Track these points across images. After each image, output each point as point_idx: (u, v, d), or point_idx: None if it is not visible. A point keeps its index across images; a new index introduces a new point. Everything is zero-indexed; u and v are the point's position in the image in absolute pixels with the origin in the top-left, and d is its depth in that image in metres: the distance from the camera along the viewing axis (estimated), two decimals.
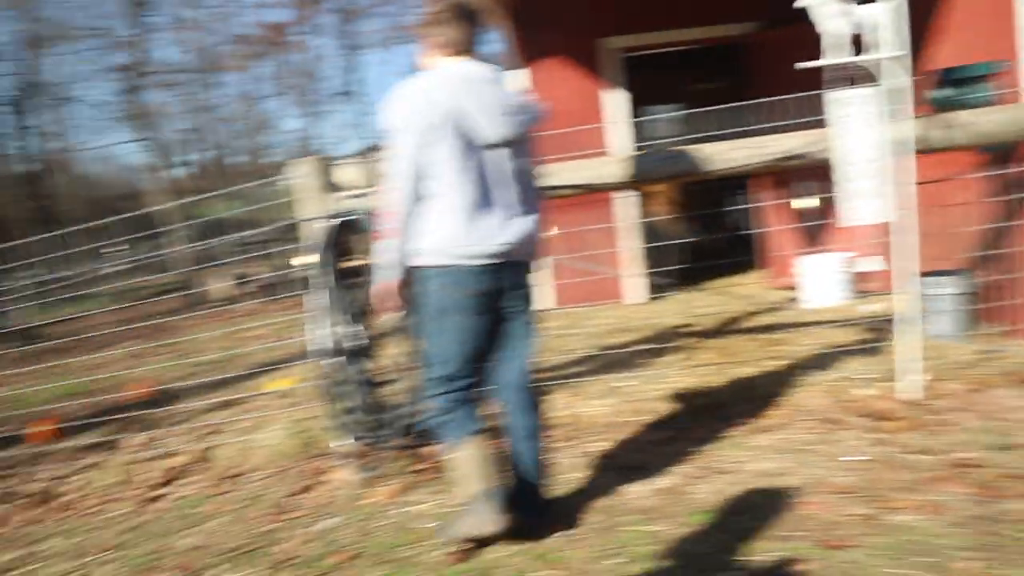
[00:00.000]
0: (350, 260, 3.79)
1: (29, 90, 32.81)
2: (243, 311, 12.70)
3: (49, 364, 9.74)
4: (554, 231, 6.74)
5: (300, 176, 3.88)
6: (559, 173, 3.90)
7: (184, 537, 3.48)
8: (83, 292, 15.36)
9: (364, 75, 62.02)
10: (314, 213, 3.81)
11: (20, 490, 4.49)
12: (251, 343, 9.26)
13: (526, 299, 3.04)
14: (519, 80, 7.51)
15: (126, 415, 5.77)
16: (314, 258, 3.67)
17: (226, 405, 5.64)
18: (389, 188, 2.82)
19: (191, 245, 16.37)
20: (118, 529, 3.74)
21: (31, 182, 34.59)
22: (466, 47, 2.92)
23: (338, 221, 3.73)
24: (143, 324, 11.93)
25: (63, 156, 37.79)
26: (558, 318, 7.07)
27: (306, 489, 3.76)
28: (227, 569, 3.10)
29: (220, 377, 6.75)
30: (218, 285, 15.03)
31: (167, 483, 4.20)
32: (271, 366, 6.89)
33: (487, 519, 2.90)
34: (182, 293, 14.50)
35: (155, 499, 4.04)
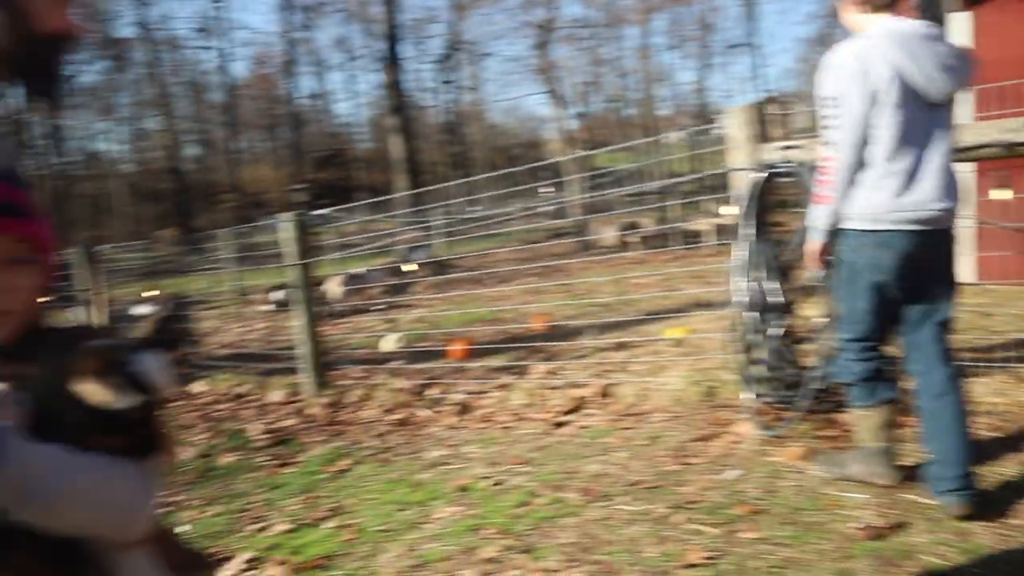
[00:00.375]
0: (777, 214, 3.66)
1: (452, 48, 36.47)
2: (630, 259, 13.07)
3: (460, 292, 10.86)
4: (1006, 194, 5.98)
5: (731, 125, 3.80)
6: (1008, 131, 3.39)
7: (589, 463, 3.67)
8: (491, 232, 16.85)
9: (762, 25, 60.00)
10: (743, 163, 3.71)
11: (443, 398, 5.05)
12: (638, 290, 9.50)
13: (949, 266, 2.86)
14: (959, 27, 6.68)
15: (528, 344, 6.23)
16: (740, 209, 3.60)
17: (620, 347, 5.84)
18: (831, 154, 2.75)
19: (586, 196, 17.14)
20: (528, 446, 4.05)
21: (449, 131, 38.69)
22: (891, 1, 2.73)
23: (766, 173, 3.60)
24: (538, 264, 12.80)
25: (476, 107, 41.70)
26: (980, 294, 6.28)
27: (707, 437, 3.76)
28: (628, 501, 3.20)
29: (612, 320, 7.01)
30: (607, 233, 15.60)
31: (572, 411, 4.45)
32: (659, 314, 6.99)
33: (879, 471, 3.01)
34: (575, 239, 15.29)
35: (561, 424, 4.30)
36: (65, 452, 0.90)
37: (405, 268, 11.85)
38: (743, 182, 3.69)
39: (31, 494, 0.85)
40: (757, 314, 3.61)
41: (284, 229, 5.26)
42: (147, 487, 1.00)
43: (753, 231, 3.59)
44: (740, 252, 3.61)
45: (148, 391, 0.95)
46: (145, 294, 7.48)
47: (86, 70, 34.77)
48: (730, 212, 3.66)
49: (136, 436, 0.97)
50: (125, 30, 33.91)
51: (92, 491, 0.91)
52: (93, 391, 0.91)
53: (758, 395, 3.70)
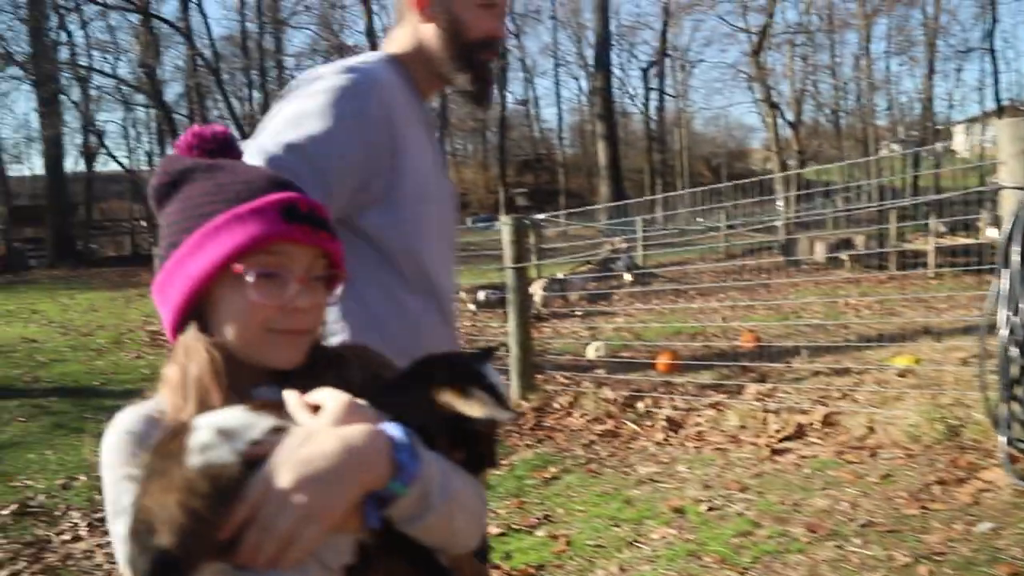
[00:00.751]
0: None
1: (661, 55, 36.09)
2: (841, 279, 12.38)
3: (662, 303, 10.66)
4: None
5: (999, 138, 3.43)
6: None
7: (814, 497, 3.42)
8: (695, 244, 16.50)
9: (999, 27, 55.14)
10: (1012, 180, 3.33)
11: (651, 412, 4.92)
12: (852, 312, 8.95)
13: None
14: None
15: (737, 363, 5.98)
16: (1006, 231, 3.24)
17: (840, 372, 5.47)
18: None
19: (797, 210, 16.38)
20: (746, 471, 3.85)
21: (653, 138, 38.29)
22: None
23: None
24: (744, 281, 12.36)
25: (682, 114, 41.05)
26: None
27: (950, 482, 3.39)
28: (861, 544, 2.95)
29: (826, 343, 6.62)
30: (817, 251, 14.82)
31: (791, 438, 4.20)
32: (878, 340, 6.53)
33: None
34: (785, 258, 14.60)
35: (779, 451, 4.06)
36: (444, 460, 0.89)
37: (628, 277, 11.92)
38: (1011, 201, 3.32)
39: (432, 499, 0.84)
40: (1019, 350, 3.23)
41: (504, 232, 5.32)
42: (484, 498, 0.99)
43: (1020, 257, 3.22)
44: (1004, 279, 3.25)
45: (505, 405, 0.91)
46: None
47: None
48: (994, 234, 3.30)
49: (478, 449, 0.94)
50: (352, 38, 35.97)
51: (465, 500, 0.90)
52: (459, 403, 0.88)
53: (1014, 440, 3.32)
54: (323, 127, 1.38)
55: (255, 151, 1.40)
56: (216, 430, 0.77)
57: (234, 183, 0.96)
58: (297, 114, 1.41)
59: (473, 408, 0.88)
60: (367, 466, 0.80)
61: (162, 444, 0.79)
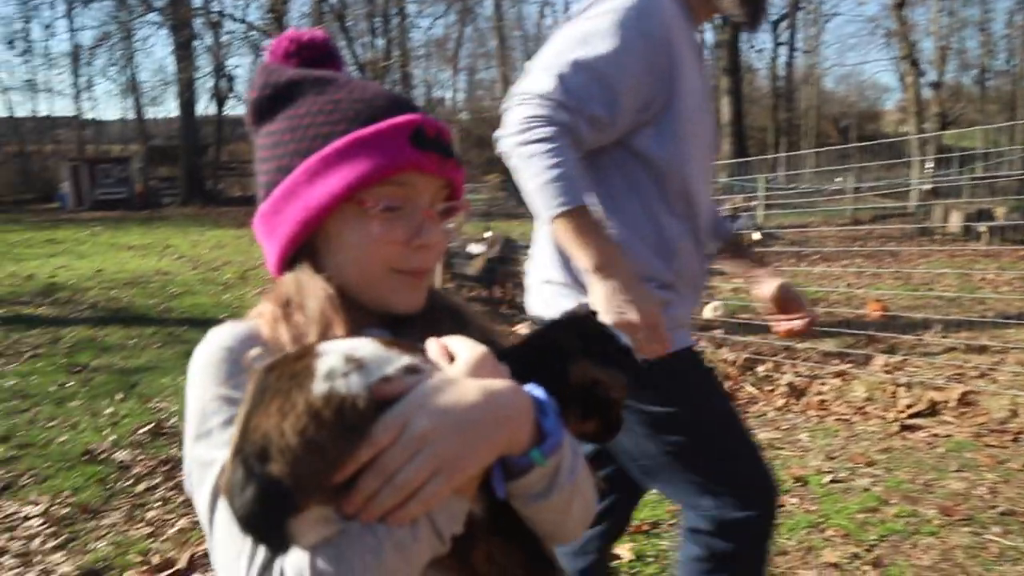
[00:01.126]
0: None
1: (794, 7, 34.52)
2: (977, 252, 11.69)
3: (781, 266, 10.32)
4: None
5: None
6: None
7: (947, 478, 3.24)
8: (819, 206, 15.87)
9: None
10: None
11: (771, 377, 4.77)
12: (988, 287, 8.45)
13: None
14: None
15: (863, 332, 5.72)
16: None
17: (977, 350, 5.17)
18: None
19: (933, 176, 15.51)
20: (871, 445, 3.68)
21: (780, 95, 36.86)
22: None
23: None
24: (870, 247, 11.83)
25: (812, 72, 39.32)
26: None
27: None
28: (1001, 532, 2.78)
29: (960, 317, 6.25)
30: (952, 220, 14.03)
31: (922, 414, 3.99)
32: (1018, 318, 6.11)
33: None
34: (917, 225, 13.90)
35: (909, 428, 3.87)
36: (571, 437, 0.78)
37: (756, 236, 11.64)
38: None
39: (561, 477, 0.75)
40: None
41: None
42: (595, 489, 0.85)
43: None
44: None
45: (640, 372, 0.82)
46: (486, 235, 7.89)
47: (435, 23, 37.39)
48: None
49: (609, 417, 0.82)
50: None
51: (584, 486, 0.80)
52: (599, 371, 0.79)
53: None
54: (611, 46, 1.40)
55: (541, 69, 1.42)
56: (347, 357, 0.66)
57: (351, 100, 0.84)
58: (585, 34, 1.43)
59: (616, 376, 0.78)
60: (511, 425, 0.70)
61: (284, 363, 0.68)
